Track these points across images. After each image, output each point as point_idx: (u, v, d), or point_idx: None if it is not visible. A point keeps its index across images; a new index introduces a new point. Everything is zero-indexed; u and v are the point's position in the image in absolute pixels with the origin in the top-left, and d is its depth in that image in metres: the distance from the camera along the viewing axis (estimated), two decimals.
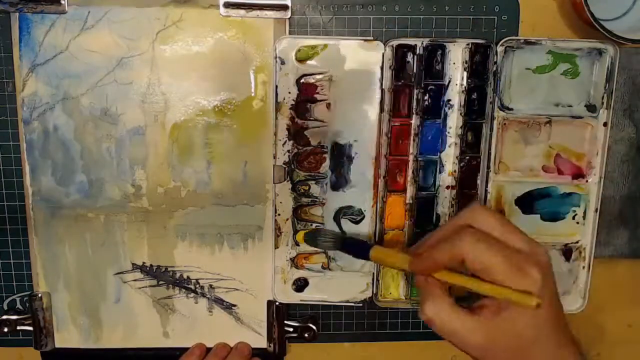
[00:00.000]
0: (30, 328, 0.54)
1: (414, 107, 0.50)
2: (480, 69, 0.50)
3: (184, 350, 0.55)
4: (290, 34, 0.50)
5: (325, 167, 0.52)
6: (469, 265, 0.37)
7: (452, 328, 0.38)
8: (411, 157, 0.51)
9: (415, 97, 0.50)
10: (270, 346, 0.55)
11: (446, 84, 0.50)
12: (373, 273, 0.53)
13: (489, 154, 0.51)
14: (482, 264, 0.37)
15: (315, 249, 0.52)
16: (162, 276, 0.54)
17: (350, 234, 0.52)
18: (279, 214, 0.52)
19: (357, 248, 0.47)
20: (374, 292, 0.54)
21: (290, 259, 0.53)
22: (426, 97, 0.50)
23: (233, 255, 0.54)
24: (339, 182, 0.52)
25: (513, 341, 0.37)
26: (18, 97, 0.50)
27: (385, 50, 0.49)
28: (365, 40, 0.49)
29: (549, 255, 0.39)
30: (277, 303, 0.54)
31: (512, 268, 0.36)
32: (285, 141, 0.51)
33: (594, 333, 0.57)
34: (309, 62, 0.50)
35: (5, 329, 0.54)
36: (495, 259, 0.36)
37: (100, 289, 0.54)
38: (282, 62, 0.50)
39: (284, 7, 0.49)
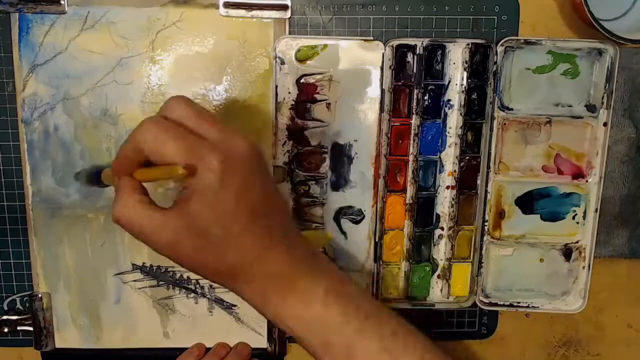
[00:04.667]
0: (31, 328, 0.54)
1: (414, 107, 0.50)
2: (480, 69, 0.50)
3: (184, 350, 0.55)
4: (290, 34, 0.50)
5: (325, 167, 0.52)
6: (149, 156, 0.34)
7: (139, 225, 0.34)
8: (411, 157, 0.51)
9: (415, 97, 0.50)
10: (270, 346, 0.55)
11: (446, 84, 0.50)
12: (373, 273, 0.53)
13: (489, 154, 0.51)
14: (158, 151, 0.33)
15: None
16: (162, 276, 0.54)
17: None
18: None
19: (96, 176, 0.42)
20: (374, 292, 0.54)
21: None
22: (426, 97, 0.50)
23: None
24: (339, 182, 0.52)
25: (198, 238, 0.34)
26: (18, 97, 0.50)
27: (385, 50, 0.49)
28: (365, 40, 0.49)
29: (253, 148, 0.35)
30: None
31: (187, 154, 0.33)
32: (285, 141, 0.51)
33: (594, 333, 0.57)
34: (309, 62, 0.50)
35: (6, 329, 0.54)
36: (170, 144, 0.33)
37: (101, 289, 0.54)
38: (282, 62, 0.50)
39: (284, 7, 0.49)
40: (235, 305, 0.55)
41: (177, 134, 0.33)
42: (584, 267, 0.53)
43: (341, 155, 0.52)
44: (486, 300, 0.54)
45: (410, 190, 0.52)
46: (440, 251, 0.53)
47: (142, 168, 0.36)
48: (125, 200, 0.35)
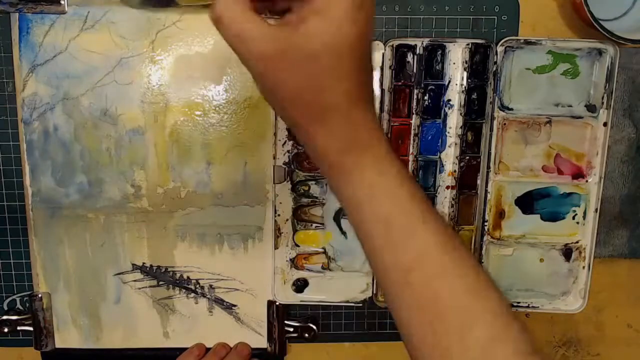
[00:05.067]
0: (31, 328, 0.54)
1: (414, 107, 0.50)
2: (480, 69, 0.50)
3: (184, 350, 0.55)
4: None
5: None
6: None
7: (241, 29, 0.31)
8: (411, 157, 0.51)
9: (415, 97, 0.50)
10: (270, 346, 0.55)
11: (446, 84, 0.50)
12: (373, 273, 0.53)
13: (489, 154, 0.51)
14: None
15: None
16: (162, 276, 0.54)
17: None
18: (279, 215, 0.52)
19: None
20: (374, 292, 0.54)
21: (290, 259, 0.53)
22: (426, 97, 0.50)
23: (233, 255, 0.54)
24: None
25: (304, 62, 0.31)
26: (18, 97, 0.50)
27: (385, 50, 0.49)
28: None
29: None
30: (277, 303, 0.54)
31: None
32: (285, 141, 0.51)
33: (594, 333, 0.57)
34: None
35: (6, 329, 0.54)
36: None
37: (101, 289, 0.54)
38: None
39: None
40: (235, 305, 0.55)
41: None
42: (584, 267, 0.53)
43: None
44: None
45: None
46: None
47: None
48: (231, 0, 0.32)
